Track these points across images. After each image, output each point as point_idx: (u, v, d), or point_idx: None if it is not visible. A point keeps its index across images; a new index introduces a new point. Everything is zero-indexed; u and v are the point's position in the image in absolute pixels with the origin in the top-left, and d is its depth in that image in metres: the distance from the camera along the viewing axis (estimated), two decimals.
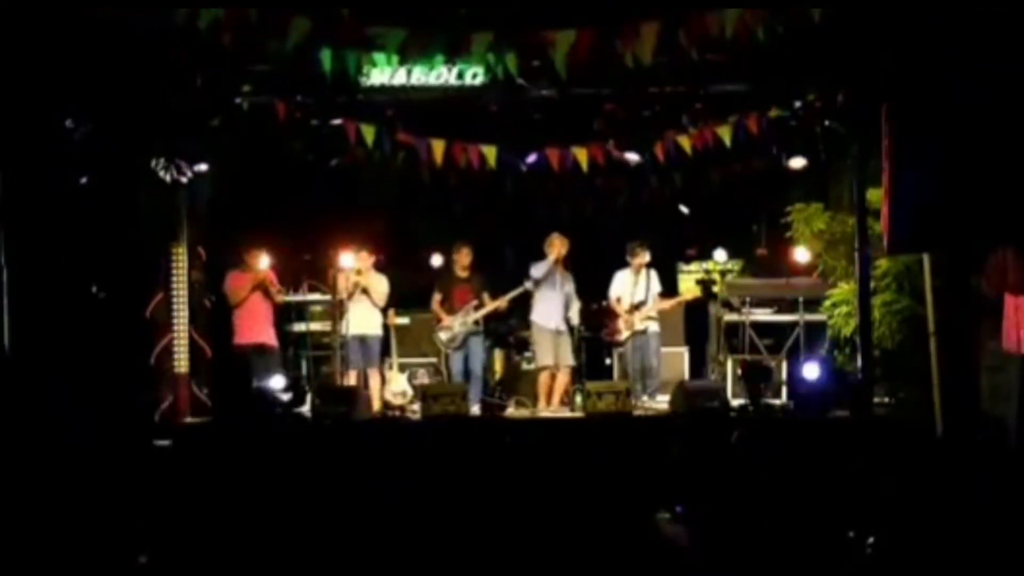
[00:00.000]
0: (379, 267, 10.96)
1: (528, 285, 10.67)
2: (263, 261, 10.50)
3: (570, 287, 10.73)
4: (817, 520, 4.72)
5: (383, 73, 9.41)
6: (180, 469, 6.51)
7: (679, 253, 12.21)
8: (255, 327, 10.44)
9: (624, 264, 11.06)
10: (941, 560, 4.39)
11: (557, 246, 10.56)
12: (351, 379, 10.61)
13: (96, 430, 8.15)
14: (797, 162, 10.25)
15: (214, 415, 10.01)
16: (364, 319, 10.65)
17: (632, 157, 10.40)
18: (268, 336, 10.53)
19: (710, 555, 4.51)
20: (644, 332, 10.91)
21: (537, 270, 10.57)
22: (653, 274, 11.04)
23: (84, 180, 9.45)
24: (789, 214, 10.83)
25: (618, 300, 10.97)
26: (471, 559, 4.65)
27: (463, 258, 10.94)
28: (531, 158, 10.60)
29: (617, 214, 11.58)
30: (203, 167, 10.03)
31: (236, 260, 10.60)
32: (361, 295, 10.63)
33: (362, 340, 10.63)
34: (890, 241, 8.03)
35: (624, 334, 10.95)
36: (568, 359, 10.63)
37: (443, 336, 10.92)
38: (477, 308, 10.86)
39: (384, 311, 10.87)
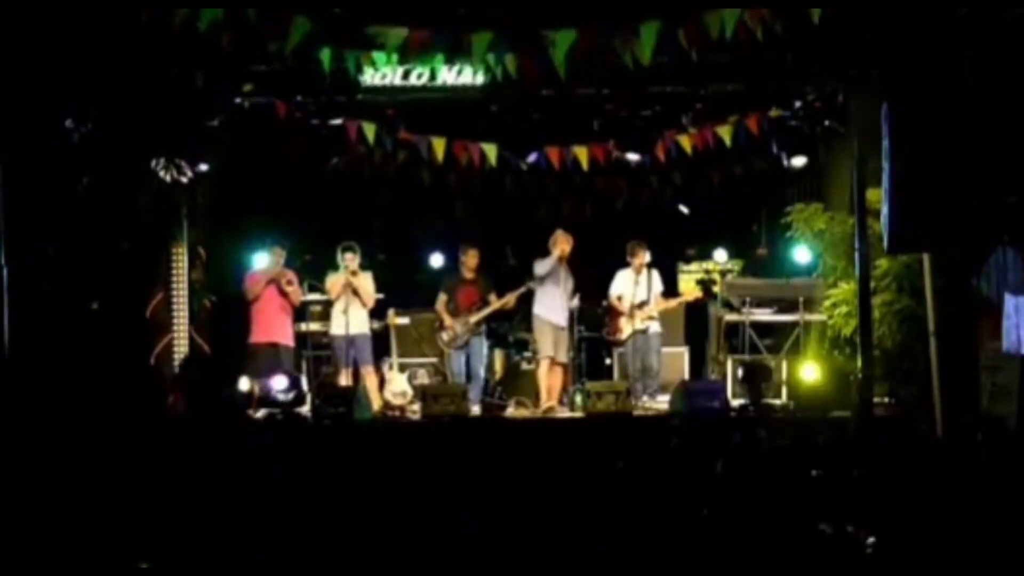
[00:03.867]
0: (373, 266, 10.93)
1: (533, 284, 10.65)
2: (281, 259, 10.50)
3: (571, 284, 10.72)
4: (817, 520, 4.72)
5: (383, 73, 9.41)
6: (180, 469, 6.50)
7: (679, 253, 12.20)
8: (268, 325, 10.46)
9: (624, 264, 11.05)
10: (941, 560, 4.39)
11: (561, 243, 10.54)
12: (342, 380, 10.58)
13: (93, 431, 8.15)
14: (798, 160, 10.22)
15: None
16: (353, 319, 10.56)
17: (632, 157, 10.40)
18: (282, 335, 10.53)
19: (712, 554, 4.51)
20: (645, 332, 10.90)
21: (541, 267, 10.54)
22: (655, 274, 11.02)
23: (84, 180, 9.46)
24: (789, 214, 10.83)
25: (619, 298, 10.96)
26: (471, 558, 4.65)
27: (470, 259, 10.89)
28: (532, 157, 10.60)
29: (617, 214, 11.61)
30: (203, 167, 10.03)
31: (239, 259, 10.62)
32: (352, 296, 10.58)
33: (352, 340, 10.57)
34: (890, 241, 8.03)
35: (625, 333, 10.95)
36: (563, 356, 10.62)
37: (445, 337, 10.91)
38: (481, 309, 10.82)
39: (378, 311, 10.85)
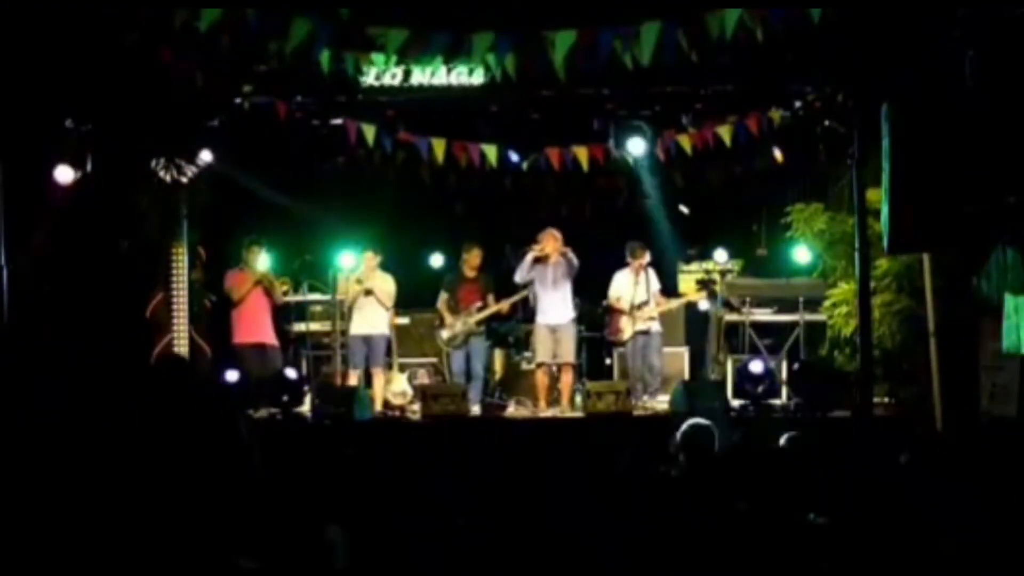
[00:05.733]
0: (383, 267, 10.96)
1: (528, 289, 10.68)
2: (262, 259, 10.50)
3: (563, 272, 10.56)
4: (818, 518, 4.72)
5: (383, 73, 9.41)
6: (180, 469, 6.49)
7: (679, 253, 12.20)
8: (254, 326, 10.45)
9: (624, 264, 11.05)
10: (941, 559, 4.39)
11: (546, 242, 10.51)
12: (352, 379, 10.59)
13: (93, 429, 8.14)
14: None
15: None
16: (370, 318, 10.61)
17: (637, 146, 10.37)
18: (268, 335, 10.54)
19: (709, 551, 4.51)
20: (647, 332, 10.90)
21: (518, 275, 10.59)
22: (651, 273, 11.03)
23: (84, 180, 9.46)
24: (789, 214, 10.83)
25: (618, 299, 10.96)
26: (470, 559, 4.65)
27: (473, 258, 10.92)
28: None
29: (617, 214, 11.61)
30: (206, 161, 10.01)
31: (236, 259, 10.61)
32: (365, 296, 10.61)
33: (367, 339, 10.60)
34: (890, 241, 8.03)
35: (627, 333, 10.94)
36: (567, 355, 10.57)
37: (444, 335, 10.93)
38: (480, 309, 10.85)
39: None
